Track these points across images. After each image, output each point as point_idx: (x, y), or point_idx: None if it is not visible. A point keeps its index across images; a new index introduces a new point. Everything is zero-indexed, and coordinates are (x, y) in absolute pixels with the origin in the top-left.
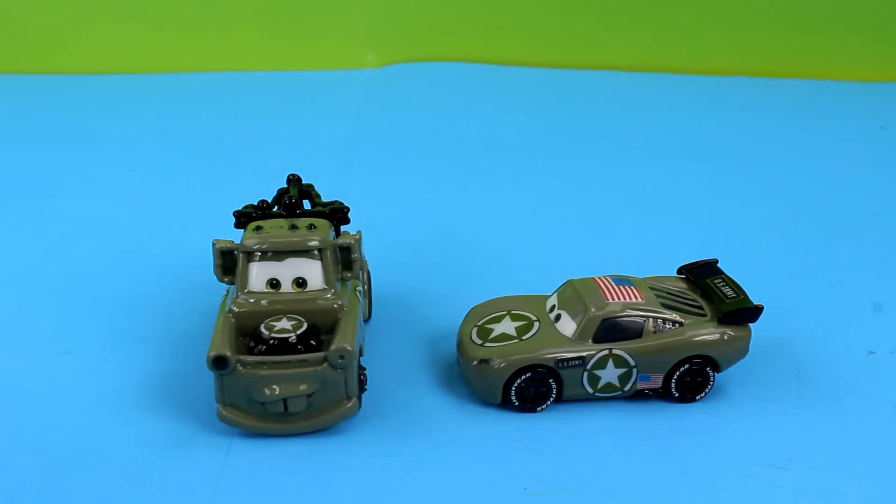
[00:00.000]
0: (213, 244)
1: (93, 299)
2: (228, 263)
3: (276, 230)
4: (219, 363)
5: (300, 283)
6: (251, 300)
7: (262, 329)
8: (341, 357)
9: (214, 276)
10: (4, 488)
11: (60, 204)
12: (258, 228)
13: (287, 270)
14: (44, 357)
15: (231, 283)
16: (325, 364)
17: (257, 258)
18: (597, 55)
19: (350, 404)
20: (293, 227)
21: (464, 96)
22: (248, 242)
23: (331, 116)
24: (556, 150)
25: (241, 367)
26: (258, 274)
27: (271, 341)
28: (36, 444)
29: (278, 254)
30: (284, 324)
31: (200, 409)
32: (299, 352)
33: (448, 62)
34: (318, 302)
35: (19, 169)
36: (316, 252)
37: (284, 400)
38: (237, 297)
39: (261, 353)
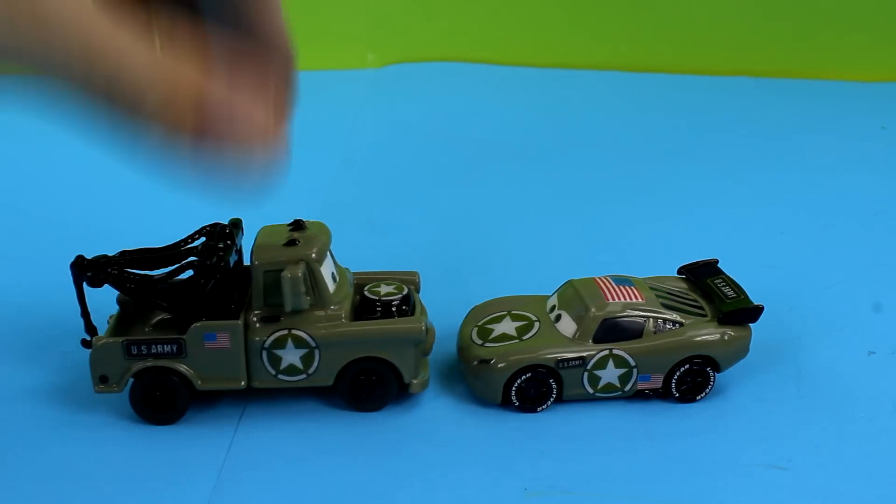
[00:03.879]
0: (286, 276)
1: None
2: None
3: (310, 237)
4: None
5: (333, 275)
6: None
7: (367, 294)
8: None
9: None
10: (4, 488)
11: (60, 204)
12: (294, 241)
13: (329, 265)
14: (43, 357)
15: (310, 302)
16: None
17: (320, 264)
18: (597, 55)
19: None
20: (300, 227)
21: (464, 96)
22: (310, 253)
23: (331, 116)
24: (556, 151)
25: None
26: (328, 277)
27: (378, 306)
28: (36, 444)
29: (327, 253)
30: (385, 288)
31: (200, 409)
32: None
33: (448, 62)
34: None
35: (19, 168)
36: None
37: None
38: (325, 307)
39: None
